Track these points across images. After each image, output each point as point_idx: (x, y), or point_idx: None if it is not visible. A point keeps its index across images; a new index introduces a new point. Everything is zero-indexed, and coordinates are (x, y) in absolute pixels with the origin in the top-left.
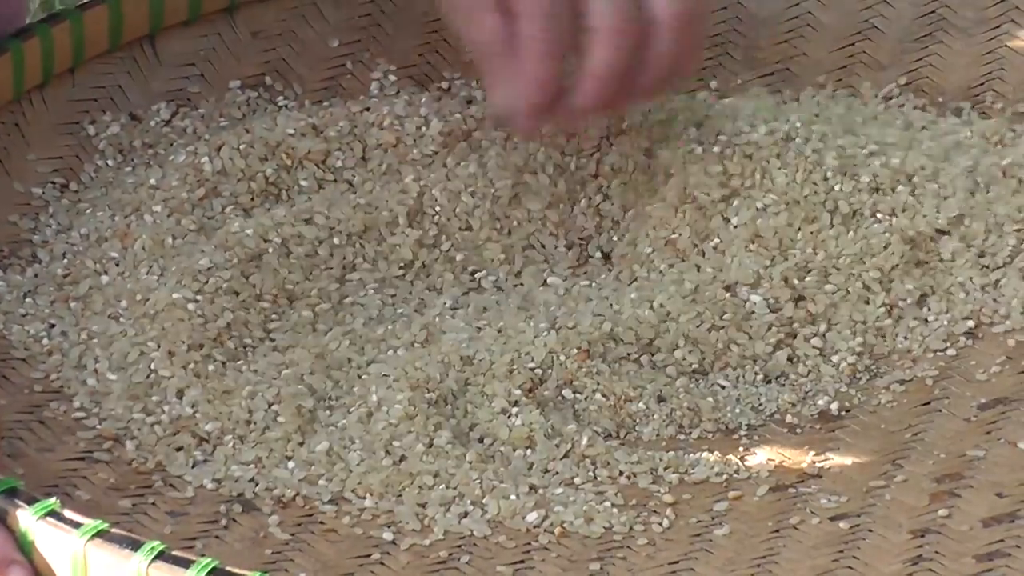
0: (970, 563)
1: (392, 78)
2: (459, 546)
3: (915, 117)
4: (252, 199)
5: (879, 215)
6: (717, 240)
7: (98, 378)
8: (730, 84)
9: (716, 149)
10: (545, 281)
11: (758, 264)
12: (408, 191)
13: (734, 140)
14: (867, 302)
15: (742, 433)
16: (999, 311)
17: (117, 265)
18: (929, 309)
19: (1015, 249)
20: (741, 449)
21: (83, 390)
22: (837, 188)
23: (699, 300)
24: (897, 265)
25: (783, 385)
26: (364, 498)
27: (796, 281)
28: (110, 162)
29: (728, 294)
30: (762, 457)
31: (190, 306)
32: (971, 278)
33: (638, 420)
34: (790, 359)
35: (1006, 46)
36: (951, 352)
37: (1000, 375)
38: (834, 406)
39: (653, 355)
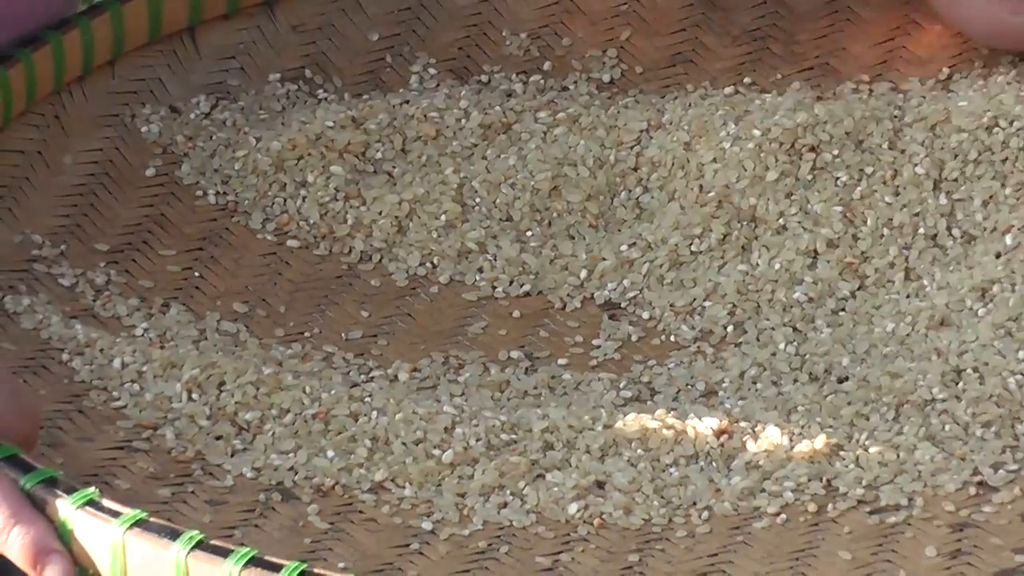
0: (1009, 556)
1: (432, 71)
2: (498, 536)
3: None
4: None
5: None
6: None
7: (136, 372)
8: (769, 79)
9: (751, 146)
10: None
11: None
12: (448, 183)
13: (772, 136)
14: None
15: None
16: None
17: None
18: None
19: None
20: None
21: (122, 381)
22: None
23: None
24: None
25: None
26: (404, 487)
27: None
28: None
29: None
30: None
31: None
32: None
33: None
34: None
35: None
36: None
37: None
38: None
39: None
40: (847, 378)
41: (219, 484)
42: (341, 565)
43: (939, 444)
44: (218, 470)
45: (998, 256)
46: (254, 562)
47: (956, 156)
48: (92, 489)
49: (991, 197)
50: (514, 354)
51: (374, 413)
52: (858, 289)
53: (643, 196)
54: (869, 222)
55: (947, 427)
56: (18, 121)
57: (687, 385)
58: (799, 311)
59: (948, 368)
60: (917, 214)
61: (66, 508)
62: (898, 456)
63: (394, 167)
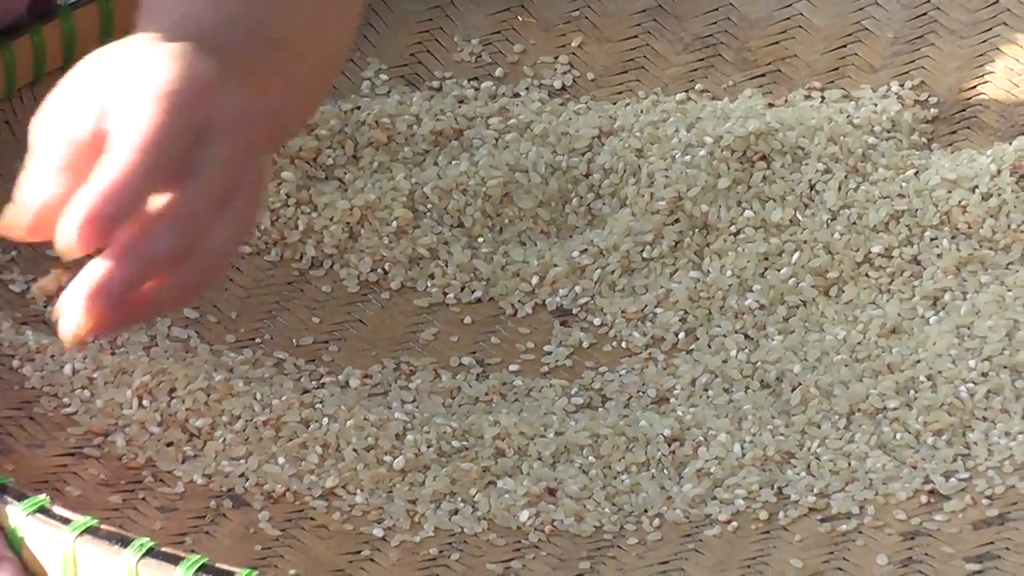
0: (959, 565)
1: (383, 77)
2: (449, 543)
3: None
4: None
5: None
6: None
7: (87, 379)
8: (721, 86)
9: (703, 152)
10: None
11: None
12: (399, 189)
13: (723, 142)
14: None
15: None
16: None
17: None
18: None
19: None
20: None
21: (72, 388)
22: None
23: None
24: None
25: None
26: (355, 494)
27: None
28: None
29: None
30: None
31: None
32: None
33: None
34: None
35: (997, 49)
36: None
37: None
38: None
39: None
40: (798, 385)
41: (170, 491)
42: (292, 572)
43: (890, 452)
44: (169, 476)
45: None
46: (205, 569)
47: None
48: (43, 496)
49: (946, 203)
50: (465, 360)
51: (325, 420)
52: (812, 297)
53: (595, 203)
54: (821, 231)
55: (898, 435)
56: None
57: (638, 392)
58: (751, 318)
59: (900, 376)
60: (874, 225)
61: (16, 515)
62: (849, 464)
63: (345, 173)
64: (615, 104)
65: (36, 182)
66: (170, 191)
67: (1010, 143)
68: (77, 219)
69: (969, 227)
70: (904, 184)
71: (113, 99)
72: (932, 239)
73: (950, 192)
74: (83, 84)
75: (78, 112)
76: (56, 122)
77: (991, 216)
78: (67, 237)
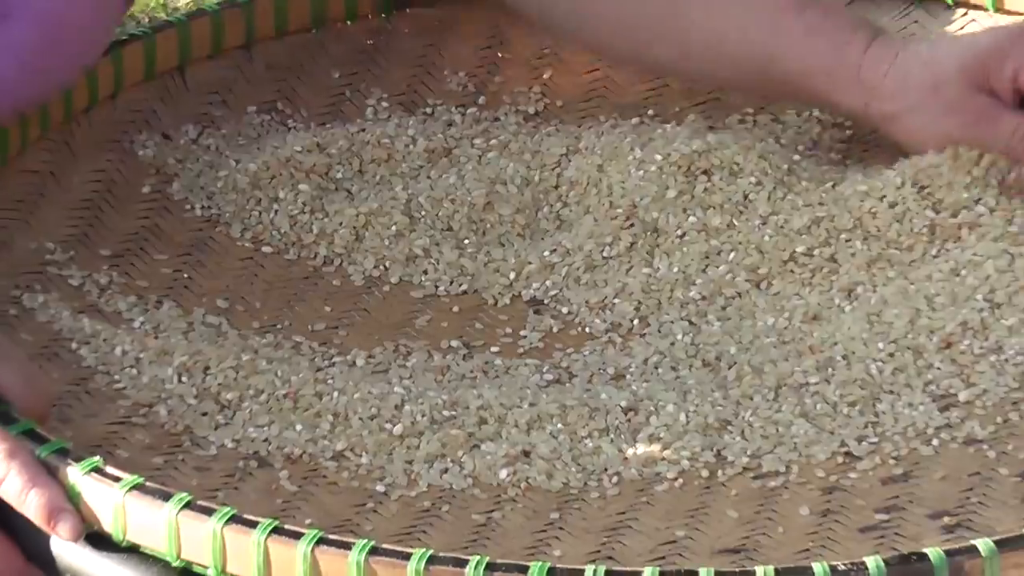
0: (870, 515)
1: (384, 104)
2: (440, 497)
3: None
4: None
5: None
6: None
7: (134, 359)
8: (669, 111)
9: (654, 168)
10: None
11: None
12: (398, 198)
13: (671, 159)
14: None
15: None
16: None
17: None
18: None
19: None
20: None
21: (122, 366)
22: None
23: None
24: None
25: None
26: (360, 456)
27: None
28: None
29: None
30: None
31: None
32: None
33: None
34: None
35: None
36: None
37: None
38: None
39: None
40: (734, 364)
41: (204, 453)
42: (308, 522)
43: (812, 420)
44: (204, 441)
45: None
46: (234, 519)
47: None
48: (97, 458)
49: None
50: (454, 343)
51: (335, 393)
52: (746, 289)
53: (563, 210)
54: (753, 233)
55: (818, 406)
56: (34, 146)
57: (599, 370)
58: (694, 307)
59: (819, 356)
60: (797, 228)
61: (74, 474)
62: (777, 430)
63: (352, 185)
64: (580, 127)
65: None
66: None
67: (908, 158)
68: None
69: (878, 230)
70: (823, 194)
71: None
72: (847, 240)
73: (862, 201)
74: None
75: None
76: None
77: (896, 221)
78: None
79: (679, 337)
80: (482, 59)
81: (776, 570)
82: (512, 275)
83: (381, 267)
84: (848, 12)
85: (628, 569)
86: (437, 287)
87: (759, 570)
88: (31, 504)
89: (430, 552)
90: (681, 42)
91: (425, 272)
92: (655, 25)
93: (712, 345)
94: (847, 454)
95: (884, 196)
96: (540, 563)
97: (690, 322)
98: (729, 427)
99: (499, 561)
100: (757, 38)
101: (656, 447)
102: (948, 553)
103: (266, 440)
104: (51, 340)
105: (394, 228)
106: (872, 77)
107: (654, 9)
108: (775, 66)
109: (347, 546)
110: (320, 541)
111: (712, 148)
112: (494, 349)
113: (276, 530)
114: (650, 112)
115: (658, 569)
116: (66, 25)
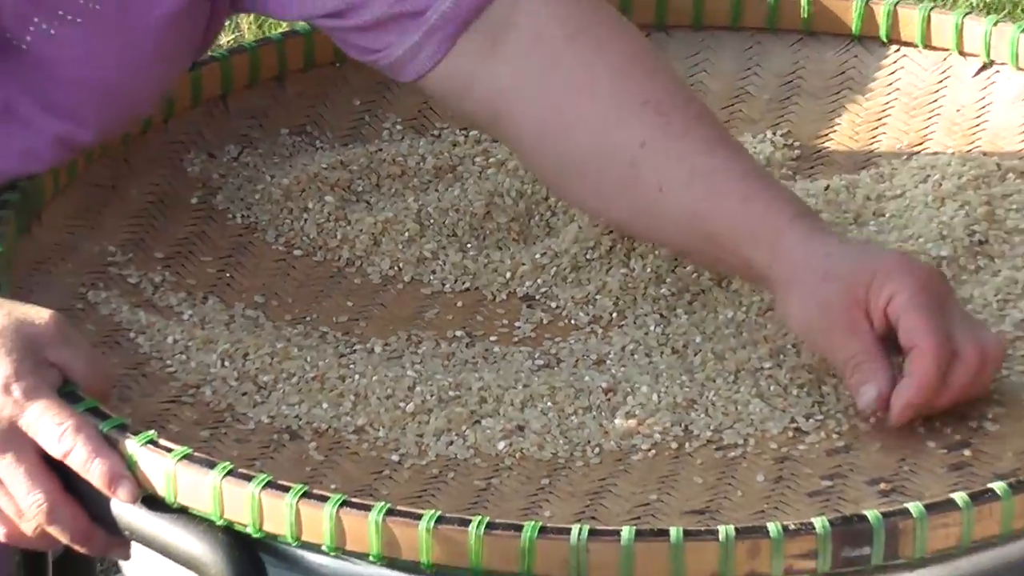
0: (816, 481)
1: (399, 127)
2: (447, 465)
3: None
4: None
5: None
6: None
7: (184, 347)
8: None
9: None
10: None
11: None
12: (410, 208)
13: None
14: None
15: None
16: None
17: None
18: None
19: None
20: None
21: (173, 353)
22: None
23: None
24: None
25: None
26: (378, 430)
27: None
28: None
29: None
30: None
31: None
32: None
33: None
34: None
35: (843, 107)
36: None
37: None
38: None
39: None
40: (699, 351)
41: (244, 428)
42: (332, 487)
43: (766, 400)
44: (243, 417)
45: None
46: (269, 485)
47: None
48: (151, 432)
49: None
50: (458, 333)
51: (356, 376)
52: (708, 287)
53: (551, 219)
54: None
55: (772, 388)
56: (97, 163)
57: (583, 356)
58: (664, 302)
59: (773, 345)
60: None
61: (132, 446)
62: (736, 408)
63: (371, 197)
64: None
65: None
66: None
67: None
68: None
69: None
70: None
71: None
72: None
73: None
74: None
75: None
76: None
77: (836, 223)
78: None
79: (652, 328)
80: None
81: (736, 529)
82: (508, 274)
83: (395, 267)
84: (782, 186)
85: (608, 528)
86: (444, 285)
87: (721, 529)
88: (95, 472)
89: (439, 513)
90: (631, 199)
91: (433, 272)
92: (613, 187)
93: (680, 335)
94: (796, 429)
95: (817, 205)
96: (533, 522)
97: (661, 315)
98: (695, 405)
99: (498, 521)
100: (699, 197)
101: (632, 423)
102: (884, 515)
103: (297, 416)
104: (112, 330)
105: (407, 234)
106: (784, 245)
107: (615, 172)
108: (704, 225)
109: (367, 508)
110: (344, 503)
111: None
112: (492, 338)
113: (306, 494)
114: None
115: (634, 528)
116: (140, 78)
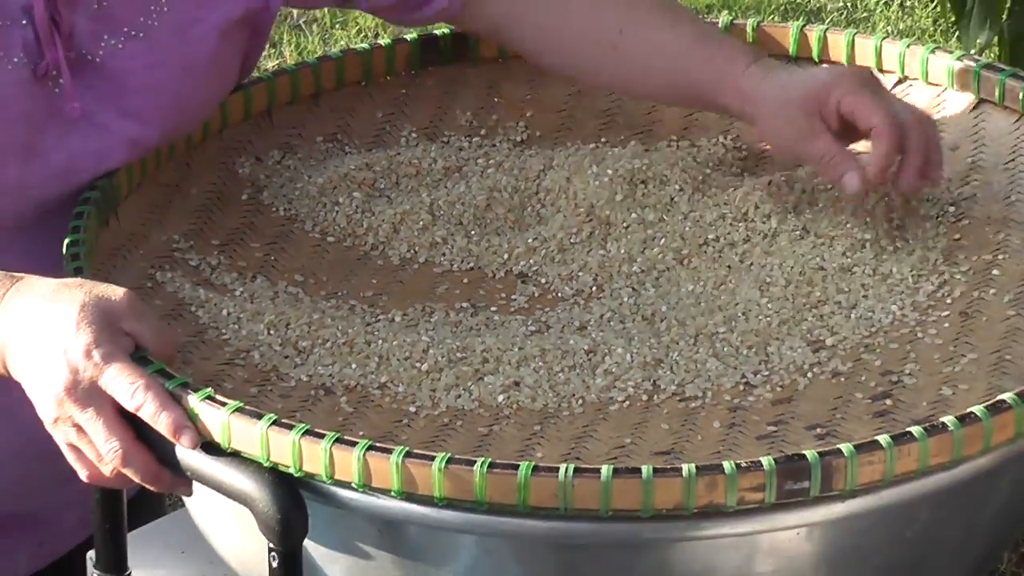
0: (763, 426)
1: (414, 135)
2: (455, 416)
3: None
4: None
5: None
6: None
7: (236, 318)
8: (617, 138)
9: (606, 179)
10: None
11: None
12: (424, 202)
13: (618, 173)
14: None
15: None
16: None
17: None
18: None
19: None
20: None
21: (227, 323)
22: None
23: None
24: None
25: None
26: (398, 386)
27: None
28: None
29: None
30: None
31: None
32: None
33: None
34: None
35: None
36: None
37: None
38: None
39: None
40: (665, 319)
41: (286, 385)
42: (360, 434)
43: (721, 359)
44: (286, 376)
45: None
46: (308, 433)
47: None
48: (209, 389)
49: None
50: (464, 305)
51: (380, 341)
52: (672, 265)
53: (541, 210)
54: (678, 225)
55: (725, 349)
56: (164, 166)
57: (568, 323)
58: (636, 278)
59: (726, 313)
60: (709, 221)
61: (193, 401)
62: (696, 366)
63: (391, 193)
64: (553, 150)
65: None
66: None
67: (784, 171)
68: None
69: (767, 218)
70: (727, 196)
71: None
72: (742, 229)
73: (748, 201)
74: None
75: None
76: None
77: (776, 212)
78: None
79: (625, 299)
80: (483, 103)
81: (696, 467)
82: (505, 256)
83: (412, 251)
84: (735, 41)
85: (590, 466)
86: (452, 265)
87: (684, 467)
88: (162, 423)
89: (449, 455)
90: (617, 62)
91: (443, 254)
92: (594, 51)
93: (649, 305)
94: (746, 384)
95: (761, 197)
96: (527, 462)
97: (633, 289)
98: (662, 364)
99: (498, 461)
100: (678, 60)
101: (609, 379)
102: (820, 454)
103: (330, 375)
104: (176, 305)
105: (421, 223)
106: (747, 87)
107: (594, 35)
108: (681, 77)
109: (389, 451)
110: (370, 448)
111: (648, 165)
112: (493, 309)
113: (338, 440)
114: (603, 139)
115: (612, 466)
116: (197, 92)
